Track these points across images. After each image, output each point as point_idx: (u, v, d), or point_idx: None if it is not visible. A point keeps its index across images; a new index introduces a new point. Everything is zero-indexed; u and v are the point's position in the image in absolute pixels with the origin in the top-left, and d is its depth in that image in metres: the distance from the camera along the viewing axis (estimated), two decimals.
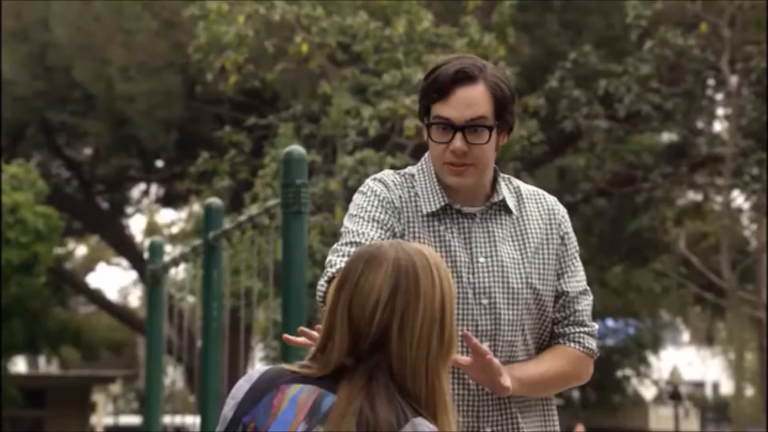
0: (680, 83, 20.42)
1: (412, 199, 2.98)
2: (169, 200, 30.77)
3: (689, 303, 30.75)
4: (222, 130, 18.01)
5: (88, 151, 28.52)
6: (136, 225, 52.71)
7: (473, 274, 2.91)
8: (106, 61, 21.77)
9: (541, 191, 3.13)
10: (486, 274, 2.92)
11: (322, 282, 2.92)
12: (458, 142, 2.89)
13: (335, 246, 2.97)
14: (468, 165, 2.92)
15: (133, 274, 36.73)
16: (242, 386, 2.30)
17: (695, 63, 20.17)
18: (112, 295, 41.81)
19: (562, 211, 3.10)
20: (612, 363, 38.97)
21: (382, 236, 2.88)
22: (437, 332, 2.24)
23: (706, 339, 42.03)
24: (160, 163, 28.18)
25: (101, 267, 42.91)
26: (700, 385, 54.68)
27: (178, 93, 22.34)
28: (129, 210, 32.59)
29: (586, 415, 35.11)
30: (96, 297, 33.18)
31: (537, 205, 3.07)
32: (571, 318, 3.03)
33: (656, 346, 40.76)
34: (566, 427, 18.27)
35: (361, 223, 2.92)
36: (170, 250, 22.19)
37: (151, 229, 35.14)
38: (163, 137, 23.60)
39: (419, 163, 3.05)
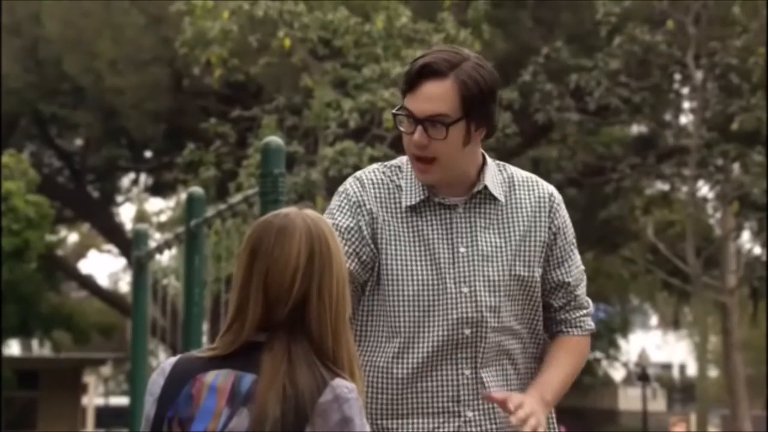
0: (648, 78, 20.47)
1: (392, 193, 2.93)
2: (158, 189, 30.71)
3: (657, 288, 30.87)
4: (208, 122, 17.97)
5: (79, 142, 28.45)
6: (126, 213, 52.62)
7: (453, 264, 2.86)
8: (96, 55, 21.70)
9: (536, 178, 3.04)
10: (466, 264, 2.87)
11: None
12: (417, 135, 2.83)
13: None
14: (431, 160, 2.86)
15: (123, 261, 36.64)
16: (157, 381, 2.26)
17: (662, 58, 20.23)
18: (102, 280, 41.75)
19: (557, 199, 3.02)
20: None
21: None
22: (345, 292, 2.27)
23: (672, 323, 42.21)
24: (148, 154, 28.12)
25: (92, 254, 42.85)
26: (667, 366, 54.93)
27: (166, 86, 22.28)
28: (119, 198, 32.54)
29: None
30: (87, 282, 33.12)
31: (528, 192, 2.99)
32: (573, 303, 3.00)
33: (625, 329, 40.95)
34: None
35: None
36: (159, 238, 22.14)
37: (140, 217, 35.04)
38: (151, 128, 23.53)
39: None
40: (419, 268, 2.86)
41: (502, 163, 3.04)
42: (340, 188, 2.97)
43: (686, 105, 23.48)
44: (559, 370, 2.97)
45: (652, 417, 34.46)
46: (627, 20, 19.68)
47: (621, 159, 21.78)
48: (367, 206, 2.91)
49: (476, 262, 2.88)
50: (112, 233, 30.43)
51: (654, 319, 52.70)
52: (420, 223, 2.90)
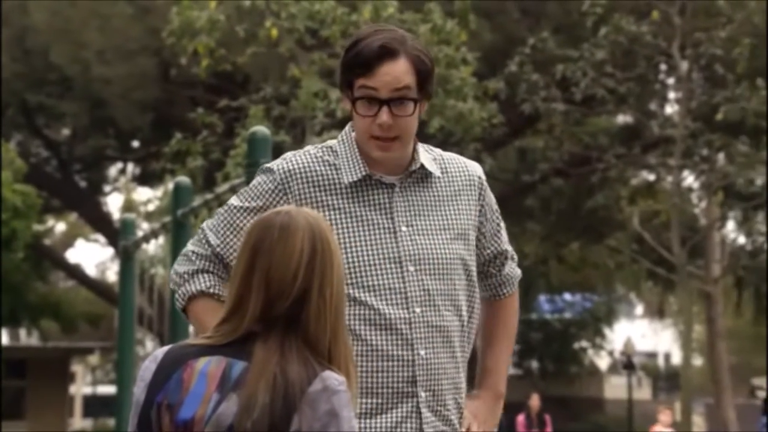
0: (633, 68, 20.49)
1: (327, 174, 2.93)
2: (145, 179, 30.61)
3: (642, 278, 30.93)
4: (195, 112, 17.92)
5: (66, 132, 28.35)
6: (114, 203, 52.51)
7: (397, 242, 2.89)
8: (83, 45, 21.63)
9: (462, 158, 3.09)
10: (409, 242, 2.90)
11: (180, 271, 2.95)
12: (384, 115, 2.85)
13: (198, 241, 2.98)
14: (394, 138, 2.89)
15: (111, 250, 36.57)
16: (149, 367, 2.29)
17: (648, 49, 20.25)
18: (90, 270, 41.65)
19: (482, 176, 3.09)
20: (569, 335, 39.17)
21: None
22: (343, 291, 2.31)
23: (658, 312, 42.35)
24: (136, 143, 28.04)
25: (80, 243, 42.67)
26: (652, 355, 55.08)
27: (153, 76, 22.22)
28: (106, 188, 32.45)
29: (544, 384, 35.30)
30: (75, 272, 33.03)
31: (458, 172, 3.04)
32: (506, 261, 3.13)
33: (611, 318, 41.02)
34: (524, 396, 18.41)
35: (227, 234, 2.95)
36: (146, 227, 22.09)
37: (128, 207, 34.95)
38: (138, 118, 23.47)
39: (340, 135, 3.01)
40: (364, 249, 2.88)
41: (426, 145, 3.08)
42: (266, 166, 2.97)
43: (671, 95, 23.55)
44: (503, 351, 3.09)
45: (638, 405, 34.56)
46: (613, 11, 19.70)
47: (607, 149, 21.82)
48: (293, 195, 2.90)
49: (419, 241, 2.91)
50: (100, 222, 30.36)
51: (639, 309, 52.83)
52: (361, 203, 2.91)
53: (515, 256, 3.18)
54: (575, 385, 39.31)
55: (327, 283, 2.27)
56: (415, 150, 2.98)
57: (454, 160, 3.06)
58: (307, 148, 3.01)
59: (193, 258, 2.95)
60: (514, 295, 3.17)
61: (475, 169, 3.08)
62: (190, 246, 2.98)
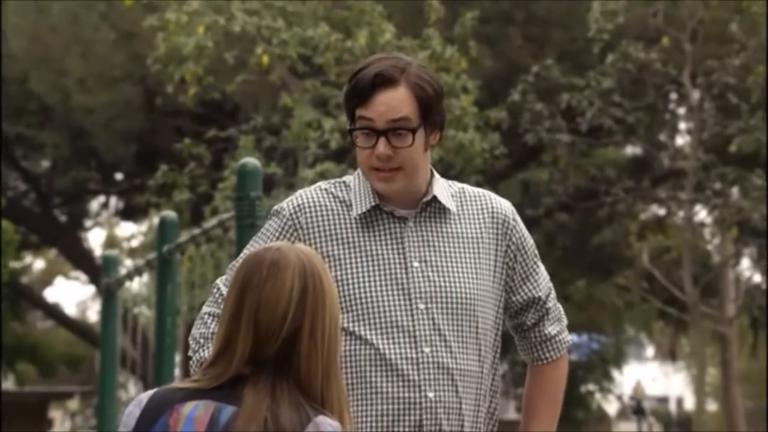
0: (642, 97, 20.54)
1: (337, 206, 2.96)
2: (129, 213, 30.64)
3: (652, 318, 30.91)
4: (182, 143, 17.96)
5: (45, 164, 28.38)
6: (95, 238, 52.47)
7: (407, 278, 2.88)
8: (64, 73, 21.67)
9: (488, 194, 3.08)
10: (421, 279, 2.89)
11: (196, 335, 2.94)
12: (381, 147, 2.87)
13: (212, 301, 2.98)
14: (395, 169, 2.90)
15: (92, 288, 36.53)
16: (133, 412, 2.28)
17: (657, 77, 20.31)
18: (70, 309, 41.56)
19: (512, 215, 3.06)
20: (575, 378, 39.09)
21: None
22: (338, 331, 2.30)
23: (669, 354, 42.31)
24: (119, 176, 28.08)
25: (59, 281, 42.63)
26: (663, 400, 54.94)
27: (137, 105, 22.26)
28: (88, 223, 32.44)
29: None
30: (53, 312, 32.94)
31: (481, 207, 3.03)
32: (546, 318, 3.06)
33: (620, 361, 40.94)
34: None
35: None
36: (130, 264, 22.04)
37: (110, 243, 34.93)
38: (122, 149, 23.50)
39: (357, 170, 3.04)
40: (372, 284, 2.88)
41: (450, 181, 3.08)
42: (276, 208, 3.01)
43: (682, 126, 23.59)
44: (541, 427, 3.17)
45: None
46: (620, 37, 19.77)
47: (615, 182, 21.84)
48: (303, 230, 2.93)
49: (430, 278, 2.90)
50: (81, 259, 30.31)
51: (650, 350, 52.76)
52: (370, 236, 2.92)
53: (563, 318, 3.12)
54: (582, 431, 39.17)
55: (318, 322, 2.26)
56: (429, 183, 2.98)
57: (480, 196, 3.05)
58: (319, 183, 3.04)
59: (208, 321, 2.94)
60: (559, 362, 3.12)
61: (503, 206, 3.06)
62: (205, 308, 2.98)
